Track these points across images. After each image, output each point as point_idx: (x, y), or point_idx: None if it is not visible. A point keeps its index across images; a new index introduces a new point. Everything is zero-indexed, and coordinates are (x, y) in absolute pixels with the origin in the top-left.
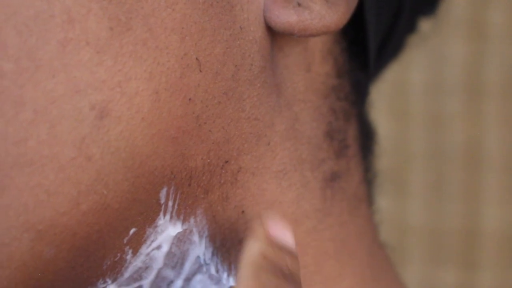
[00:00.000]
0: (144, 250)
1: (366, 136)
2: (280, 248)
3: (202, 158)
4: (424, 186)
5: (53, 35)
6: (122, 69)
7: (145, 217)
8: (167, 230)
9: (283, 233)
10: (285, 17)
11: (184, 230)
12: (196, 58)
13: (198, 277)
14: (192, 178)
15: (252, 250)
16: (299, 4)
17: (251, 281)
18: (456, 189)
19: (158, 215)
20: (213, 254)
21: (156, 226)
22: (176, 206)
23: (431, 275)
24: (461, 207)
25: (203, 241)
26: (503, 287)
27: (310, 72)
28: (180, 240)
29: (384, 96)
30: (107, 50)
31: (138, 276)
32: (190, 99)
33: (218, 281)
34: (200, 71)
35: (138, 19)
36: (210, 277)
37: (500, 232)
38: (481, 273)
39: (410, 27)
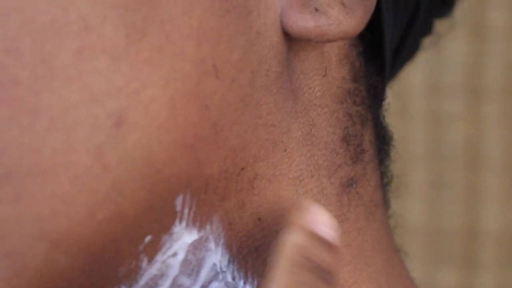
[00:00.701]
0: (159, 257)
1: (382, 141)
2: (320, 241)
3: (218, 165)
4: (424, 186)
5: (69, 43)
6: (138, 76)
7: (160, 225)
8: (183, 238)
9: (325, 225)
10: (302, 23)
11: (200, 238)
12: (213, 65)
13: (214, 284)
14: (208, 185)
15: (289, 241)
16: (316, 10)
17: (285, 277)
18: (456, 189)
19: (174, 222)
20: (229, 262)
21: (171, 234)
22: (192, 214)
23: (431, 275)
24: (461, 207)
25: (219, 248)
26: (503, 287)
27: (327, 76)
28: (196, 247)
29: None
30: (123, 57)
31: (153, 283)
32: (206, 106)
33: None
34: (217, 77)
35: (154, 26)
36: (227, 284)
37: (500, 232)
38: (481, 273)
39: (426, 29)
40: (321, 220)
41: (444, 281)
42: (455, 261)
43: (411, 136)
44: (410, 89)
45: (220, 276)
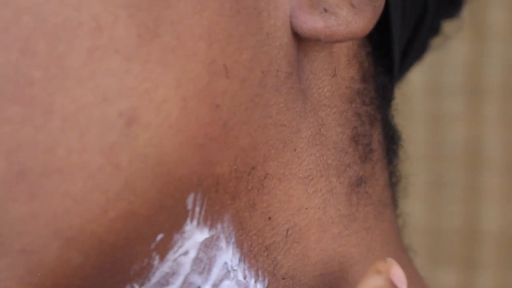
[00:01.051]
0: (171, 255)
1: (391, 140)
2: None
3: (229, 165)
4: (424, 186)
5: (82, 43)
6: (150, 76)
7: (172, 223)
8: (194, 236)
9: (403, 283)
10: (312, 23)
11: (211, 236)
12: (224, 65)
13: (226, 283)
14: (219, 185)
15: (374, 281)
16: (325, 10)
17: None
18: (456, 189)
19: (185, 221)
20: (240, 260)
21: (183, 232)
22: (203, 212)
23: (431, 275)
24: (461, 207)
25: (230, 247)
26: (503, 287)
27: (336, 76)
28: (207, 246)
29: None
30: (135, 58)
31: (165, 281)
32: (217, 105)
33: (245, 287)
34: (228, 77)
35: (166, 26)
36: (238, 283)
37: (500, 232)
38: (481, 273)
39: (433, 30)
40: (401, 278)
41: (444, 281)
42: (455, 261)
43: (411, 136)
44: (410, 89)
45: (231, 275)
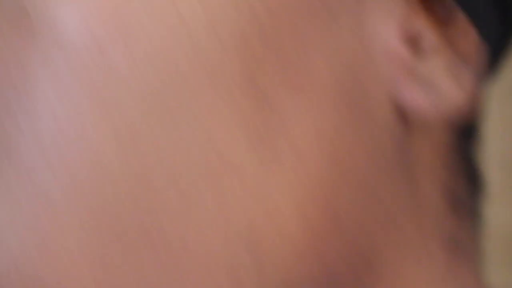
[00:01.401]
0: None
1: (477, 185)
2: None
3: (339, 255)
4: None
5: (210, 185)
6: (269, 197)
7: None
8: None
9: None
10: (414, 99)
11: None
12: (337, 165)
13: None
14: (331, 276)
15: None
16: (427, 85)
17: None
18: None
19: None
20: None
21: None
22: None
23: None
24: None
25: None
26: (504, 286)
27: (432, 140)
28: None
29: None
30: (254, 179)
31: None
32: (332, 208)
33: None
34: (340, 177)
35: (282, 143)
36: None
37: (501, 231)
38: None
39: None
40: None
41: None
42: None
43: None
44: None
45: None
